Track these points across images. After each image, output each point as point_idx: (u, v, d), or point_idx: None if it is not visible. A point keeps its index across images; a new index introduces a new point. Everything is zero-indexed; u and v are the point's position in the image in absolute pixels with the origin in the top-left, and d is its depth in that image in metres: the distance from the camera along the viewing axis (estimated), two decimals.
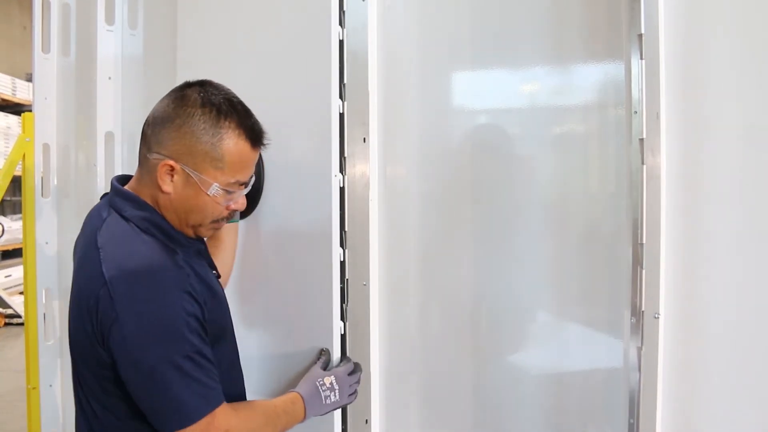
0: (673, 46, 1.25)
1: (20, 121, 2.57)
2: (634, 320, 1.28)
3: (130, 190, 1.14)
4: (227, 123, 1.09)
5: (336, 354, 1.37)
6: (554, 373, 1.41)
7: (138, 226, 1.10)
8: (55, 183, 2.04)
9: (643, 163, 1.26)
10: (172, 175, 1.09)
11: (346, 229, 1.40)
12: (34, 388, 2.01)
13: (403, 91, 1.46)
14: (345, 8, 1.39)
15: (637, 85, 1.26)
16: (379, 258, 1.46)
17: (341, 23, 1.40)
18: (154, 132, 1.11)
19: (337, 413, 1.38)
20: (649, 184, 1.25)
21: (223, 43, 1.51)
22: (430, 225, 1.47)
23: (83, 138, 1.97)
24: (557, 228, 1.38)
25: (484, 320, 1.46)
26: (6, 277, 6.11)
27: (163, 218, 1.12)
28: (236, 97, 1.14)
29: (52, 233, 2.04)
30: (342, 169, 1.41)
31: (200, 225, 1.15)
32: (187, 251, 1.15)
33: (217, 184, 1.10)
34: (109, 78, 1.85)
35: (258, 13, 1.47)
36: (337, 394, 1.26)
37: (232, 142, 1.09)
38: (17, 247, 6.62)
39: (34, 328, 2.01)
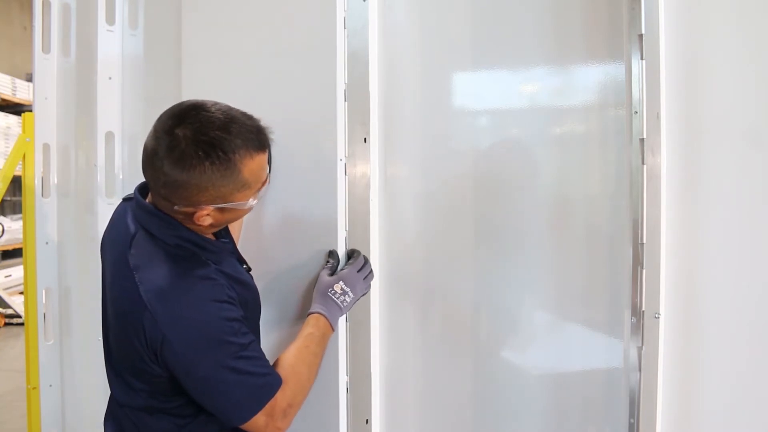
0: (673, 46, 1.25)
1: (20, 121, 2.57)
2: (634, 320, 1.28)
3: (153, 206, 1.14)
4: (237, 156, 1.06)
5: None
6: (554, 373, 1.42)
7: (167, 243, 1.12)
8: (55, 183, 2.04)
9: (643, 163, 1.26)
10: (208, 214, 1.11)
11: (347, 229, 1.40)
12: (34, 388, 2.01)
13: (403, 91, 1.46)
14: (346, 9, 1.39)
15: (637, 85, 1.26)
16: (379, 258, 1.46)
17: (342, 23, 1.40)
18: (171, 192, 1.07)
19: (339, 413, 1.38)
20: (649, 184, 1.26)
21: (226, 41, 1.51)
22: (431, 225, 1.47)
23: (83, 138, 1.97)
24: (557, 228, 1.38)
25: (484, 320, 1.46)
26: (6, 277, 6.10)
27: (190, 230, 1.14)
28: (226, 112, 1.07)
29: (52, 233, 2.04)
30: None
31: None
32: (219, 256, 1.18)
33: (251, 198, 1.13)
34: (110, 78, 1.86)
35: (260, 14, 1.47)
36: (350, 293, 1.30)
37: (248, 165, 1.08)
38: (17, 247, 6.60)
39: (34, 328, 2.01)
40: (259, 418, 1.08)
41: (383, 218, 1.46)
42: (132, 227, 1.15)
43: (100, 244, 1.26)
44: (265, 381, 1.10)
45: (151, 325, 1.04)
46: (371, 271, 1.36)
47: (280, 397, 1.10)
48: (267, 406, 1.08)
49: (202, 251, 1.14)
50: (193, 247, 1.14)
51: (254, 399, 1.08)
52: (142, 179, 1.16)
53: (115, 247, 1.17)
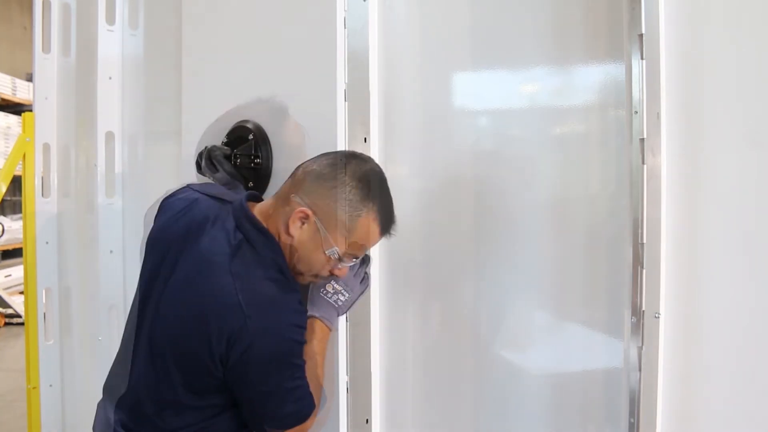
0: (673, 46, 1.25)
1: (20, 121, 2.57)
2: (634, 320, 1.28)
3: (261, 220, 1.20)
4: (371, 205, 1.16)
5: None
6: (555, 373, 1.42)
7: (267, 260, 1.18)
8: (55, 183, 2.04)
9: (643, 163, 1.26)
10: (303, 223, 1.16)
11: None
12: (34, 388, 2.01)
13: (403, 90, 1.46)
14: (346, 9, 1.39)
15: (637, 85, 1.26)
16: (379, 258, 1.46)
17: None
18: (308, 180, 1.18)
19: (339, 413, 1.38)
20: (649, 184, 1.26)
21: (226, 42, 1.51)
22: (431, 225, 1.47)
23: (83, 138, 1.97)
24: (558, 228, 1.38)
25: (484, 320, 1.46)
26: (6, 277, 6.10)
27: (285, 260, 1.19)
28: (383, 176, 1.22)
29: (52, 233, 2.04)
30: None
31: (301, 273, 1.22)
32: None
33: (337, 249, 1.17)
34: (110, 78, 1.86)
35: (260, 14, 1.47)
36: (346, 292, 1.30)
37: (367, 222, 1.17)
38: (17, 247, 6.61)
39: (34, 328, 2.01)
40: None
41: None
42: (236, 234, 1.18)
43: (163, 233, 1.25)
44: (309, 401, 1.17)
45: (243, 332, 1.09)
46: (367, 264, 1.36)
47: (308, 422, 1.18)
48: (296, 428, 1.17)
49: (288, 278, 1.20)
50: (284, 276, 1.19)
51: (296, 417, 1.16)
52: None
53: (202, 250, 1.18)
